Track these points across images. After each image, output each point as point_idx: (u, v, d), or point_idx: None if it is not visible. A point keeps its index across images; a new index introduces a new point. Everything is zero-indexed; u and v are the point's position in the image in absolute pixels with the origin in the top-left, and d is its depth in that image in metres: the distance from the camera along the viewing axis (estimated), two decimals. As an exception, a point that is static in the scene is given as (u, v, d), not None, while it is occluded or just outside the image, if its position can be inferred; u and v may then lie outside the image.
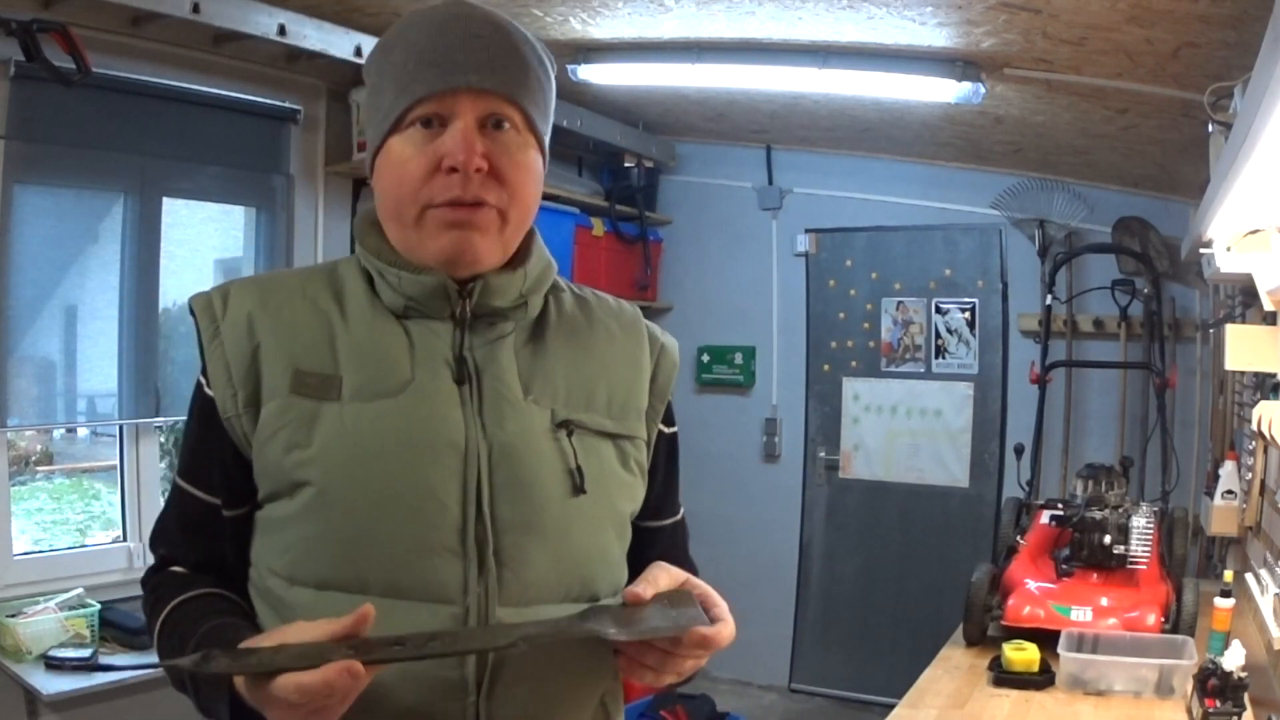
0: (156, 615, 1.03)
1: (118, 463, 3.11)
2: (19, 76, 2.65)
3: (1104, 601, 2.34)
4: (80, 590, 2.74)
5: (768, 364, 4.60)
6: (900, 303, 4.33)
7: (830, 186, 4.44)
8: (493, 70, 1.01)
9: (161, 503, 3.25)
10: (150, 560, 1.11)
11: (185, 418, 1.09)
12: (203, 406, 1.04)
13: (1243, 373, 2.96)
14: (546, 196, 1.39)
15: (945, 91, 3.02)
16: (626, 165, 4.37)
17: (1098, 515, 2.46)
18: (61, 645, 2.55)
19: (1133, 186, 3.92)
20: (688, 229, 4.69)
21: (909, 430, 4.34)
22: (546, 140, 1.08)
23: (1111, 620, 2.29)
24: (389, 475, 0.98)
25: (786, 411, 4.57)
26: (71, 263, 2.93)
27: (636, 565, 1.06)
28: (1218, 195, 1.80)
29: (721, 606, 1.01)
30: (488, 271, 1.05)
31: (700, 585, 1.02)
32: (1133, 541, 2.40)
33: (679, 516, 1.23)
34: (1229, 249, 2.06)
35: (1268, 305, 2.06)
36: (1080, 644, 2.16)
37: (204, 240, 3.26)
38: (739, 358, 4.63)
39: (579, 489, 1.03)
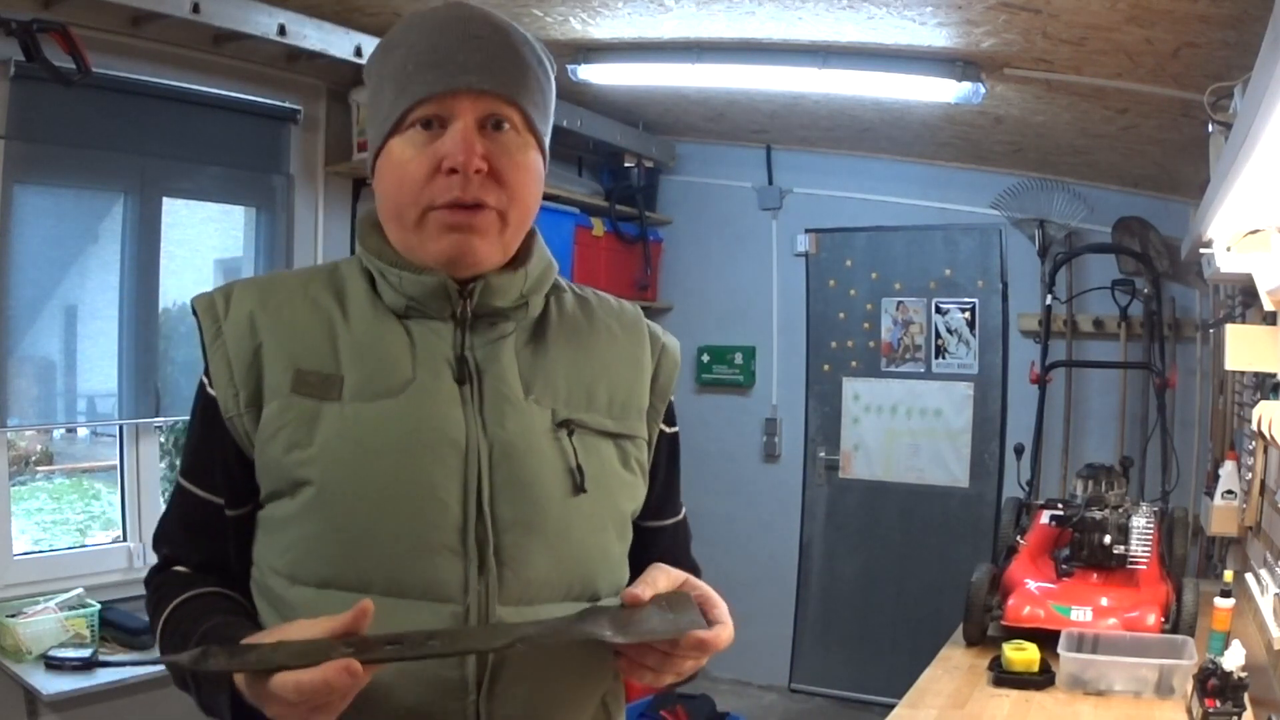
0: (159, 614, 1.04)
1: (118, 463, 3.11)
2: (19, 76, 2.65)
3: (1104, 601, 2.34)
4: (80, 590, 2.74)
5: (768, 364, 4.60)
6: (900, 303, 4.34)
7: (830, 186, 4.44)
8: (492, 71, 1.01)
9: (161, 503, 3.27)
10: (153, 560, 1.11)
11: (185, 418, 1.09)
12: (205, 406, 1.04)
13: (1243, 373, 2.96)
14: (546, 196, 1.40)
15: (945, 91, 3.02)
16: (626, 165, 4.37)
17: (1098, 515, 2.46)
18: (61, 645, 2.55)
19: (1133, 186, 3.92)
20: (688, 229, 4.70)
21: (909, 430, 4.34)
22: (547, 141, 1.08)
23: (1111, 620, 2.29)
24: (390, 474, 0.98)
25: (786, 411, 4.57)
26: (71, 263, 2.93)
27: (638, 565, 1.06)
28: (1218, 195, 1.80)
29: (720, 608, 1.01)
30: (488, 272, 1.05)
31: (700, 586, 1.02)
32: (1133, 541, 2.40)
33: (680, 516, 1.23)
34: (1229, 249, 2.06)
35: (1268, 305, 2.06)
36: (1080, 644, 2.16)
37: (204, 240, 3.26)
38: (739, 358, 4.63)
39: (579, 488, 1.03)
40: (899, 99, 3.30)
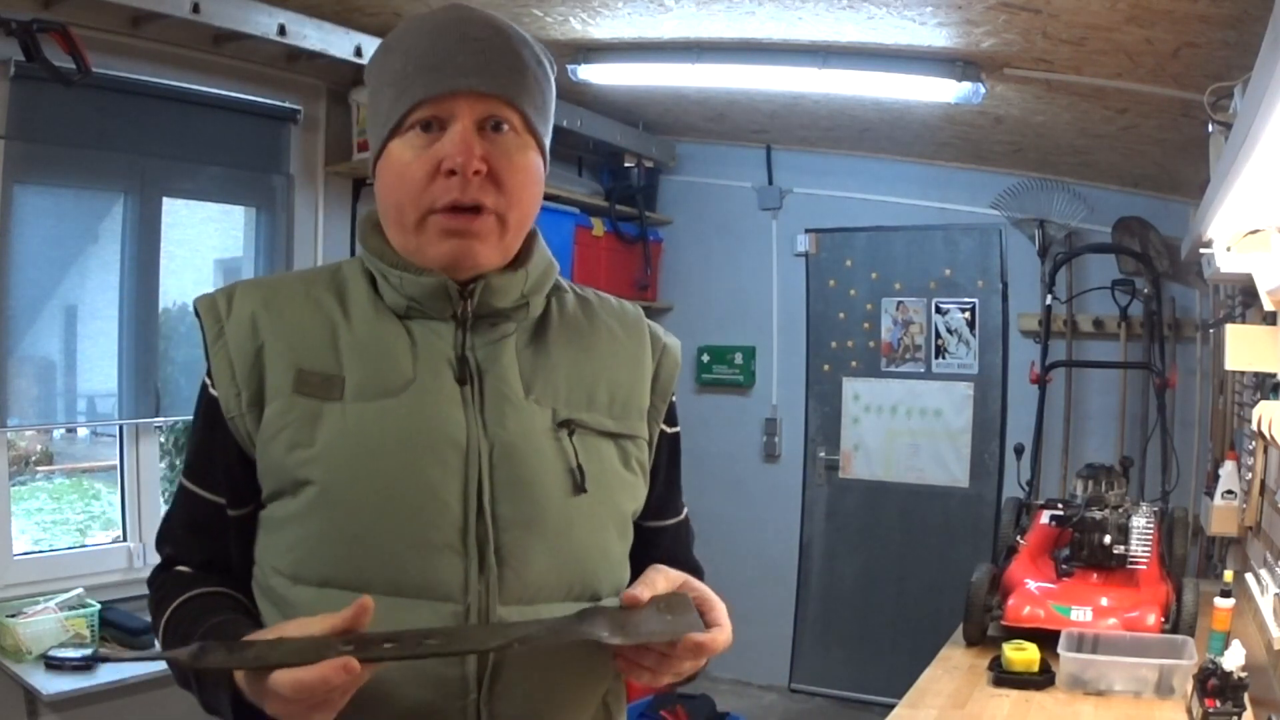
0: (161, 613, 1.04)
1: (118, 463, 3.11)
2: (19, 76, 2.65)
3: (1104, 601, 2.34)
4: (80, 590, 2.74)
5: (768, 364, 4.60)
6: (900, 303, 4.34)
7: (830, 186, 4.44)
8: (490, 73, 1.01)
9: (161, 502, 3.27)
10: (153, 560, 1.11)
11: (185, 418, 1.09)
12: (207, 407, 1.04)
13: (1243, 373, 2.96)
14: (547, 196, 1.40)
15: (945, 91, 3.02)
16: (626, 165, 4.37)
17: (1098, 515, 2.46)
18: (61, 645, 2.55)
19: (1133, 186, 3.92)
20: (688, 229, 4.70)
21: (909, 430, 4.34)
22: (547, 141, 1.09)
23: (1111, 620, 2.29)
24: (391, 474, 0.98)
25: (786, 411, 4.57)
26: (71, 263, 2.93)
27: (640, 565, 1.06)
28: (1218, 195, 1.80)
29: (718, 611, 1.01)
30: (489, 272, 1.05)
31: (699, 588, 1.02)
32: (1133, 541, 2.40)
33: (682, 516, 1.23)
34: (1229, 249, 2.06)
35: (1268, 305, 2.06)
36: (1080, 644, 2.16)
37: (204, 240, 3.26)
38: (739, 358, 4.63)
39: (580, 488, 1.03)
40: (899, 99, 3.30)
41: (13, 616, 2.57)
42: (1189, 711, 1.92)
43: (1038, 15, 2.44)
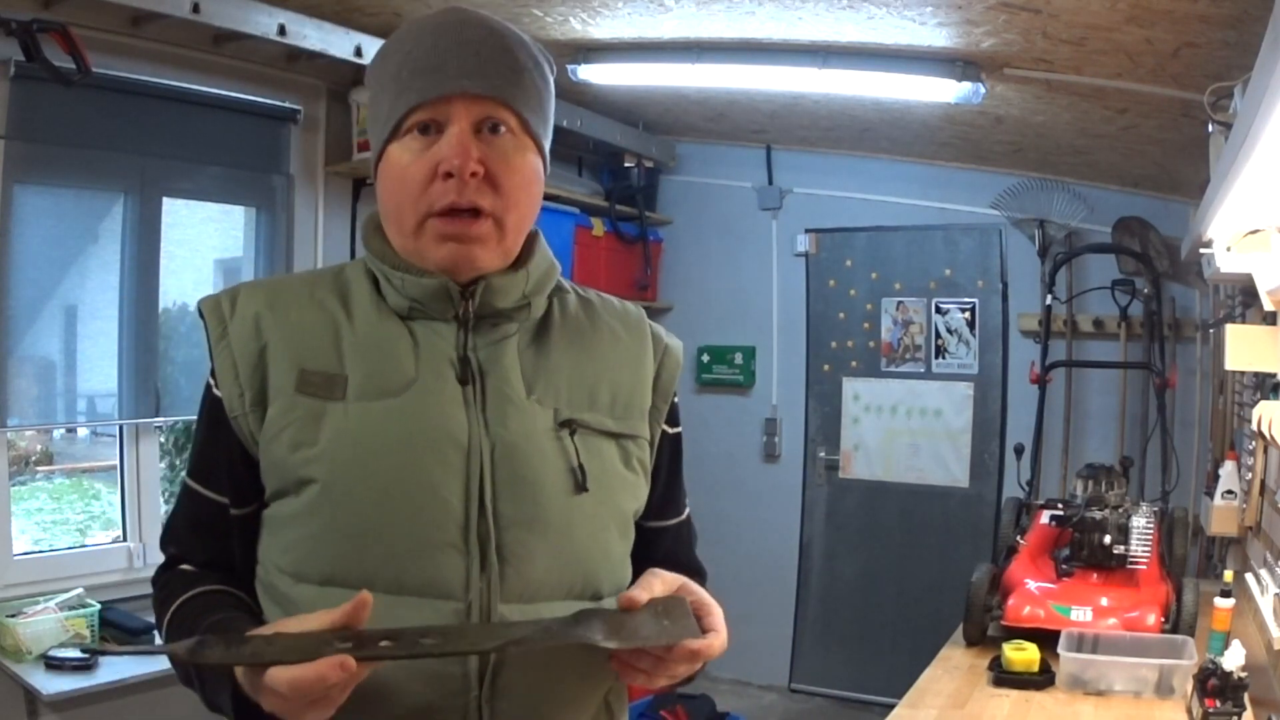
0: (164, 611, 1.04)
1: (118, 463, 3.11)
2: (19, 76, 2.65)
3: (1104, 601, 2.34)
4: (80, 590, 2.74)
5: (768, 364, 4.60)
6: (900, 303, 4.34)
7: (830, 186, 4.44)
8: (486, 75, 1.01)
9: (161, 502, 3.27)
10: (153, 560, 1.12)
11: (185, 418, 1.10)
12: (211, 407, 1.05)
13: (1243, 373, 2.96)
14: (546, 196, 1.40)
15: (945, 91, 3.02)
16: (626, 165, 4.37)
17: (1098, 515, 2.46)
18: (61, 645, 2.55)
19: (1133, 186, 3.92)
20: (688, 229, 4.70)
21: (909, 430, 4.34)
22: (546, 143, 1.09)
23: (1111, 620, 2.29)
24: (393, 473, 0.99)
25: (786, 411, 4.57)
26: (71, 263, 2.93)
27: (642, 565, 1.07)
28: (1218, 195, 1.80)
29: (715, 616, 1.01)
30: (490, 273, 1.05)
31: (696, 591, 1.02)
32: (1133, 541, 2.40)
33: (684, 516, 1.23)
34: (1229, 249, 2.06)
35: (1268, 305, 2.06)
36: (1080, 644, 2.16)
37: (204, 240, 3.26)
38: (739, 358, 4.63)
39: (581, 487, 1.04)
40: (899, 99, 3.30)
41: (13, 616, 2.57)
42: (1189, 711, 1.92)
43: (1038, 15, 2.44)
